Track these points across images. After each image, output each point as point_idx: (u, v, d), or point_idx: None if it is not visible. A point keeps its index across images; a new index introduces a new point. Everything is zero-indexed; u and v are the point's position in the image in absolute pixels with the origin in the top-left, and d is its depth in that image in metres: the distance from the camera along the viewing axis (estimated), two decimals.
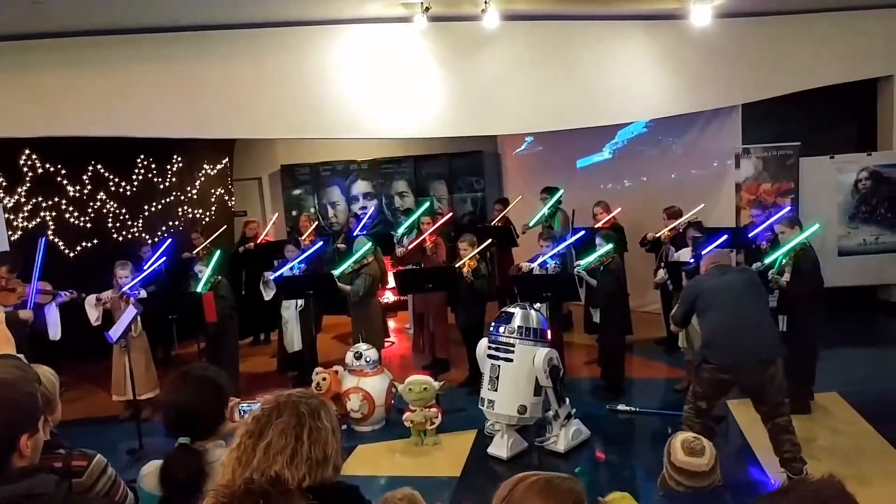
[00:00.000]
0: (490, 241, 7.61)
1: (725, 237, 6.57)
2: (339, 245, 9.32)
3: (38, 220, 8.35)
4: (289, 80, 7.47)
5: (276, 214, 10.46)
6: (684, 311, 5.03)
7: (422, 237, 7.89)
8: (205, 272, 6.79)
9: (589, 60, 8.02)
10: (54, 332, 6.28)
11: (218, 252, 7.08)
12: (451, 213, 8.23)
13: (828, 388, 6.25)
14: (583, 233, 7.51)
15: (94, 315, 6.60)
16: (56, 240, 8.47)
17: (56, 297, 6.34)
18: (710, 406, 4.96)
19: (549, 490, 1.61)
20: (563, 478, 1.68)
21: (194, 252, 8.46)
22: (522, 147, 10.56)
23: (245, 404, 2.29)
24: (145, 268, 6.95)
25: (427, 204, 9.26)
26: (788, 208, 7.50)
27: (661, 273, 6.90)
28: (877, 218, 8.74)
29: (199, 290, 6.67)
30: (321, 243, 8.12)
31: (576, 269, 6.80)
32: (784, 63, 8.33)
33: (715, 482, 2.81)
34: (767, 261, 5.98)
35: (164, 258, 7.58)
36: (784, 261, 5.96)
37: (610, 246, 6.73)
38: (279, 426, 1.75)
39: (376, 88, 7.64)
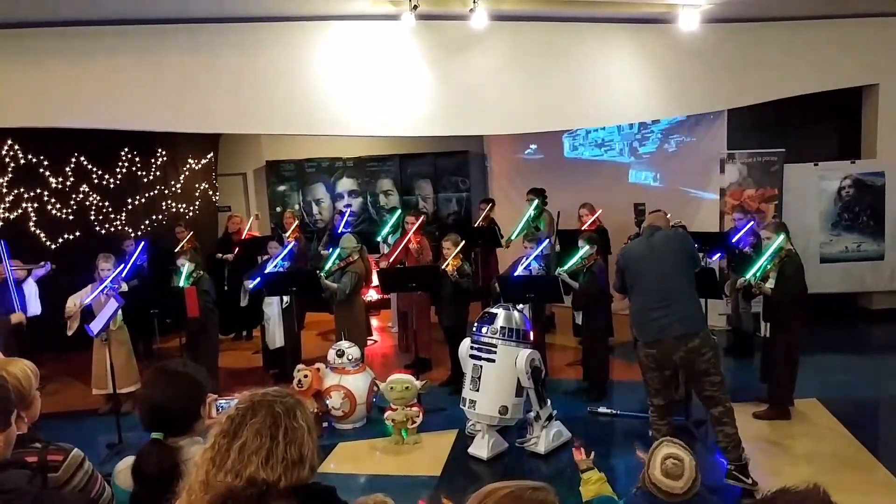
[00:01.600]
0: (470, 240, 7.60)
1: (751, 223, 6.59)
2: (322, 250, 9.28)
3: (20, 210, 8.24)
4: (275, 75, 7.42)
5: (256, 213, 10.38)
6: (619, 280, 5.14)
7: (406, 237, 7.87)
8: (185, 267, 6.74)
9: (576, 62, 8.03)
10: (35, 307, 6.22)
11: (191, 256, 7.03)
12: (423, 217, 8.22)
13: (808, 395, 6.30)
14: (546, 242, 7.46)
15: (71, 329, 6.50)
16: (38, 231, 8.37)
17: (30, 272, 6.27)
18: (667, 403, 4.99)
19: (520, 502, 1.56)
20: (535, 488, 1.63)
21: (178, 247, 8.38)
22: (527, 152, 10.55)
23: (223, 400, 2.26)
24: (123, 266, 6.86)
25: (399, 211, 9.27)
26: (752, 223, 7.53)
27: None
28: (859, 226, 8.82)
29: (180, 284, 6.63)
30: (293, 244, 8.08)
31: (557, 272, 6.81)
32: (769, 70, 8.39)
33: (691, 495, 2.80)
34: (749, 273, 6.01)
35: (145, 247, 7.55)
36: (769, 266, 6.00)
37: (586, 248, 6.74)
38: (254, 426, 1.71)
39: (363, 86, 7.61)
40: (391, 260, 7.85)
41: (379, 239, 8.85)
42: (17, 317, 5.95)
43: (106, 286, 6.40)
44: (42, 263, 6.49)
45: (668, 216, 5.48)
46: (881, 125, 8.76)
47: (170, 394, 2.20)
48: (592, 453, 3.51)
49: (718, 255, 7.42)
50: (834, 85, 8.65)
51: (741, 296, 6.99)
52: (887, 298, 8.91)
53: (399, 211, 9.39)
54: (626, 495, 3.28)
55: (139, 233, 9.10)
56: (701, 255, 7.06)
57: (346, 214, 9.66)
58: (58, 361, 7.92)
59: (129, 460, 2.23)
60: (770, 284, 5.98)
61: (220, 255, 9.14)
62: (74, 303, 6.50)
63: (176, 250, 8.00)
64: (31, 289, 6.28)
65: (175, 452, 2.14)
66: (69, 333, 6.47)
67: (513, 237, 8.42)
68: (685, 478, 2.76)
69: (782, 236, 5.99)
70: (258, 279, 7.40)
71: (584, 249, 6.75)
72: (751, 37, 8.30)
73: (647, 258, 4.90)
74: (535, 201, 8.53)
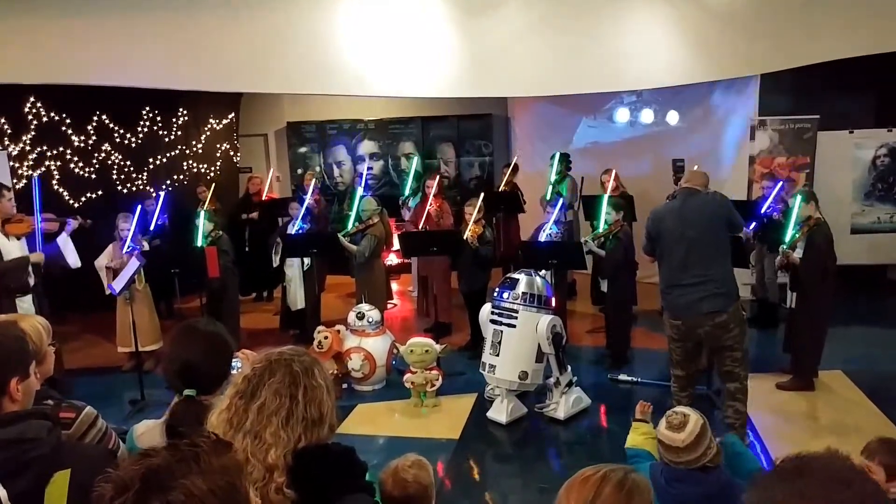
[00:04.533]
0: (491, 201, 7.50)
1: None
2: (346, 212, 9.23)
3: (43, 168, 8.28)
4: (297, 34, 7.29)
5: (272, 171, 10.30)
6: (647, 243, 4.98)
7: (427, 201, 7.79)
8: (200, 226, 6.77)
9: (606, 23, 7.79)
10: (73, 260, 6.22)
11: (205, 214, 7.02)
12: (438, 177, 8.10)
13: (832, 367, 6.20)
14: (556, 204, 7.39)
15: (107, 280, 6.54)
16: (60, 189, 8.41)
17: (65, 224, 6.29)
18: (688, 374, 4.92)
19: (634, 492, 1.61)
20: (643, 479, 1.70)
21: (202, 206, 8.40)
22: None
23: (235, 360, 2.25)
24: (148, 222, 6.89)
25: (414, 169, 9.09)
26: (782, 183, 7.37)
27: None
28: (893, 196, 8.59)
29: (197, 244, 6.65)
30: (304, 208, 8.05)
31: (584, 240, 6.71)
32: (806, 33, 8.07)
33: (702, 461, 2.74)
34: (786, 244, 5.88)
35: (165, 206, 7.56)
36: (797, 235, 5.86)
37: (612, 214, 6.62)
38: (272, 386, 1.68)
39: (386, 45, 7.46)
40: (418, 226, 7.81)
41: (401, 201, 8.77)
42: (35, 256, 5.93)
43: (129, 245, 6.44)
44: (75, 217, 6.48)
45: (708, 175, 5.13)
46: None
47: (201, 352, 2.18)
48: (651, 408, 3.47)
49: (754, 225, 7.19)
50: (871, 50, 8.30)
51: (777, 263, 6.83)
52: None
53: (415, 163, 9.19)
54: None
55: (160, 192, 9.12)
56: None
57: (365, 176, 9.58)
58: (81, 320, 8.03)
59: (148, 423, 2.21)
60: (798, 254, 5.85)
61: (245, 215, 9.13)
62: (109, 258, 6.52)
63: (199, 209, 8.02)
64: (67, 242, 6.25)
65: (208, 409, 2.12)
66: (108, 292, 6.48)
67: (548, 197, 8.28)
68: (687, 431, 2.72)
69: (800, 198, 5.84)
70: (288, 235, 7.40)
71: (610, 215, 6.63)
72: None
73: (678, 228, 4.66)
74: (554, 164, 8.37)
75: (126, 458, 2.14)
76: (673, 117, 9.25)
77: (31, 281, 5.86)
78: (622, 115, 9.58)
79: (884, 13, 8.19)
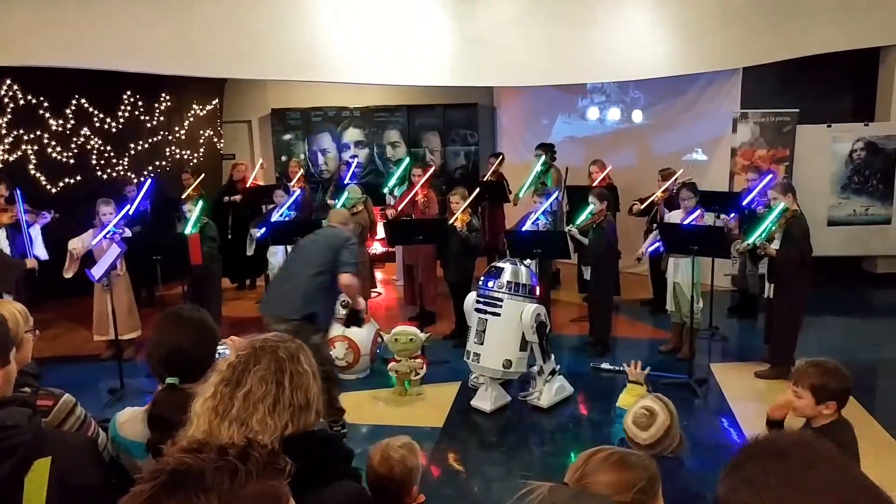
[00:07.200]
0: (479, 191, 7.51)
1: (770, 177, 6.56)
2: (328, 200, 9.17)
3: (20, 153, 8.14)
4: (282, 18, 7.23)
5: (261, 161, 10.25)
6: None
7: (413, 190, 7.79)
8: (193, 213, 6.69)
9: (592, 14, 7.82)
10: (41, 252, 6.19)
11: (201, 200, 6.98)
12: (432, 167, 8.07)
13: (809, 356, 6.23)
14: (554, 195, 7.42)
15: (69, 265, 6.44)
16: (38, 174, 8.28)
17: (39, 216, 6.26)
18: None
19: (623, 464, 1.64)
20: (637, 455, 1.72)
21: (185, 194, 8.32)
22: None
23: (221, 347, 2.23)
24: (123, 209, 6.79)
25: (407, 160, 9.02)
26: (769, 177, 7.43)
27: (642, 250, 6.88)
28: (868, 189, 8.71)
29: (186, 231, 6.58)
30: (299, 193, 8.01)
31: (568, 228, 6.75)
32: (788, 28, 8.17)
33: (664, 452, 2.77)
34: (753, 237, 5.94)
35: (148, 193, 7.47)
36: (773, 228, 5.94)
37: (596, 204, 6.66)
38: (258, 373, 1.67)
39: (372, 32, 7.42)
40: (398, 210, 7.78)
41: (385, 190, 8.74)
42: (31, 262, 5.98)
43: (110, 230, 6.35)
44: (49, 210, 6.46)
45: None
46: None
47: (186, 338, 2.15)
48: (648, 369, 3.49)
49: (733, 214, 7.28)
50: (851, 45, 8.43)
51: (748, 258, 6.94)
52: (891, 263, 8.86)
53: (407, 159, 9.18)
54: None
55: (142, 179, 9.01)
56: (714, 214, 7.01)
57: (353, 165, 9.54)
58: (59, 307, 7.94)
59: (131, 410, 2.17)
60: (775, 245, 5.93)
61: (227, 197, 9.06)
62: (81, 243, 6.42)
63: (183, 196, 7.94)
64: (36, 234, 6.23)
65: (191, 398, 2.11)
66: (66, 276, 6.38)
67: (521, 194, 8.33)
68: (651, 431, 2.74)
69: (784, 202, 5.90)
70: (265, 228, 7.35)
71: (594, 206, 6.68)
72: None
73: (298, 245, 5.31)
74: (543, 157, 8.43)
75: (106, 445, 2.13)
76: (656, 109, 9.31)
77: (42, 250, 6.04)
78: (608, 108, 9.64)
79: (864, 11, 8.31)
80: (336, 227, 5.37)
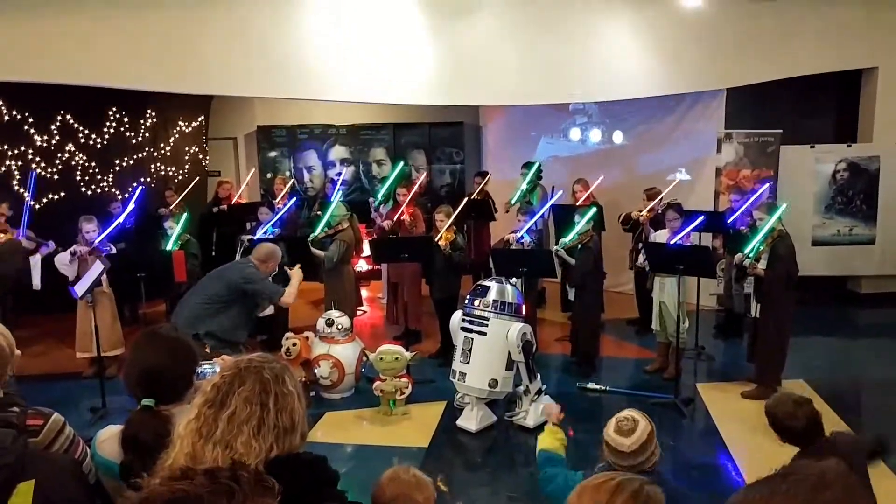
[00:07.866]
0: (464, 207, 7.50)
1: (702, 218, 6.57)
2: (316, 213, 9.14)
3: (3, 168, 8.06)
4: (269, 36, 7.24)
5: (251, 173, 10.21)
6: None
7: (399, 209, 7.77)
8: (175, 229, 6.64)
9: (577, 34, 7.90)
10: (37, 282, 6.23)
11: (186, 213, 6.95)
12: (416, 182, 8.05)
13: (794, 376, 6.32)
14: (560, 193, 7.48)
15: (70, 272, 6.37)
16: (21, 191, 8.18)
17: (41, 246, 6.24)
18: None
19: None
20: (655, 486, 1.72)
21: (169, 209, 8.25)
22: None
23: (207, 366, 2.19)
24: (117, 219, 6.75)
25: (401, 165, 8.91)
26: (765, 187, 7.51)
27: (642, 258, 6.88)
28: (852, 210, 8.82)
29: (168, 248, 6.53)
30: (294, 200, 7.98)
31: (554, 249, 6.76)
32: (770, 50, 8.30)
33: (644, 466, 2.77)
34: (746, 250, 5.98)
35: (134, 210, 7.44)
36: (761, 247, 5.98)
37: (591, 213, 6.67)
38: (242, 394, 1.64)
39: (359, 51, 7.45)
40: (383, 227, 7.76)
41: (372, 210, 8.70)
42: (27, 242, 6.07)
43: (109, 231, 6.38)
44: (51, 242, 6.52)
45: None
46: (879, 109, 8.72)
47: (163, 359, 2.11)
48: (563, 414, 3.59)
49: (701, 218, 7.23)
50: (834, 67, 8.58)
51: (734, 276, 6.96)
52: (875, 283, 8.95)
53: (401, 164, 9.07)
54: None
55: (126, 195, 8.93)
56: (698, 233, 7.01)
57: (339, 182, 9.52)
58: (41, 323, 7.82)
59: (111, 429, 2.12)
60: (762, 265, 5.97)
61: (215, 208, 8.99)
62: (72, 252, 6.36)
63: (165, 210, 7.89)
64: (37, 263, 6.28)
65: (167, 420, 2.06)
66: (70, 278, 6.34)
67: (513, 202, 8.31)
68: (633, 438, 2.76)
69: (775, 216, 5.96)
70: (258, 235, 7.31)
71: (581, 224, 6.69)
72: (752, 16, 8.20)
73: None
74: (529, 174, 8.45)
75: (91, 466, 2.08)
76: (642, 129, 9.39)
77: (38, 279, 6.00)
78: (592, 128, 9.72)
79: (847, 33, 8.47)
80: (243, 263, 5.64)
